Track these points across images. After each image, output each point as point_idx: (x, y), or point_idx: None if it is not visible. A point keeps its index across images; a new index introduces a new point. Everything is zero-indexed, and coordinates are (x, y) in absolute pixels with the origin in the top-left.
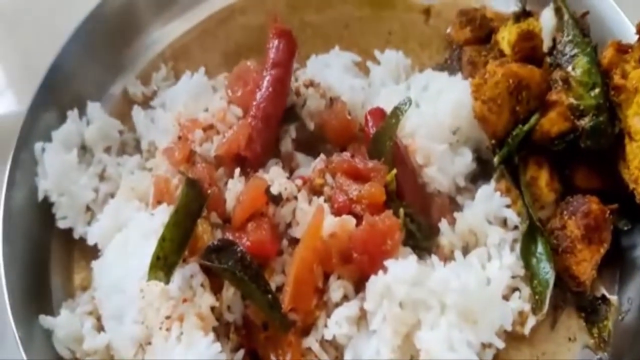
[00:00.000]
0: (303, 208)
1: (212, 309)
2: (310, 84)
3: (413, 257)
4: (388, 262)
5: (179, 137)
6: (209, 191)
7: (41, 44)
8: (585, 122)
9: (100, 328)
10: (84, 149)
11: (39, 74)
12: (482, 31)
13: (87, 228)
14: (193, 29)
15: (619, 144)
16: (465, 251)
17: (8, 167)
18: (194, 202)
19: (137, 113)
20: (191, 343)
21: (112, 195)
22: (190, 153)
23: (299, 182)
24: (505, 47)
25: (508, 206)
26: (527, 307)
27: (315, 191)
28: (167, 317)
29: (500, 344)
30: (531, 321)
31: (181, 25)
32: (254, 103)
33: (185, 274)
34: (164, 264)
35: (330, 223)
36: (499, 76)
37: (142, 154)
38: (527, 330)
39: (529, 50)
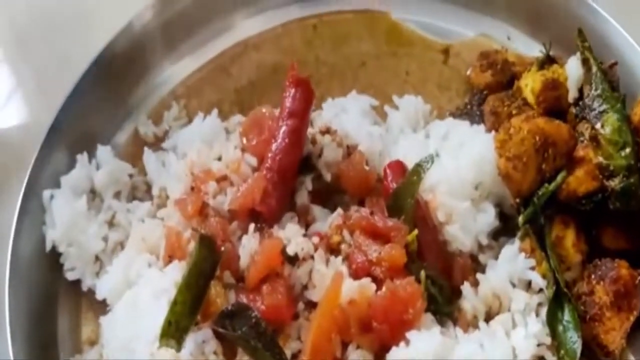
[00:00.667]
0: (320, 270)
1: None
2: (327, 130)
3: (436, 329)
4: (410, 334)
5: (192, 188)
6: (222, 248)
7: (58, 69)
8: (614, 183)
9: None
10: (94, 193)
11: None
12: (504, 76)
13: (96, 280)
14: (205, 66)
15: None
16: (489, 315)
17: (16, 215)
18: (206, 261)
19: (148, 156)
20: None
21: (122, 244)
22: (203, 205)
23: (315, 239)
24: (529, 96)
25: (533, 268)
26: None
27: (333, 249)
28: None
29: None
30: None
31: (193, 62)
32: (270, 155)
33: (198, 340)
34: (175, 329)
35: (349, 288)
36: (525, 132)
37: (153, 199)
38: None
39: (554, 100)
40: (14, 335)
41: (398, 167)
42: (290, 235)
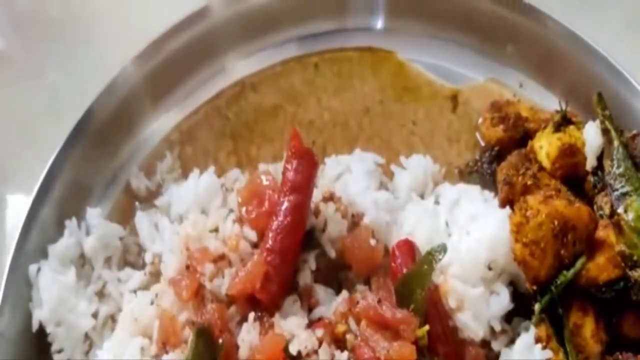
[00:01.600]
0: None
1: None
2: (330, 197)
3: None
4: None
5: (187, 267)
6: (221, 340)
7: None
8: (638, 274)
9: None
10: (83, 258)
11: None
12: (517, 132)
13: None
14: (201, 108)
15: None
16: None
17: (1, 293)
18: (204, 357)
19: (141, 220)
20: None
21: (113, 317)
22: (199, 287)
23: (319, 332)
24: (544, 160)
25: None
26: None
27: (338, 339)
28: None
29: None
30: None
31: (189, 105)
32: (271, 234)
33: None
34: None
35: None
36: (543, 217)
37: (146, 267)
38: None
39: (571, 167)
40: None
41: (407, 247)
42: (293, 328)
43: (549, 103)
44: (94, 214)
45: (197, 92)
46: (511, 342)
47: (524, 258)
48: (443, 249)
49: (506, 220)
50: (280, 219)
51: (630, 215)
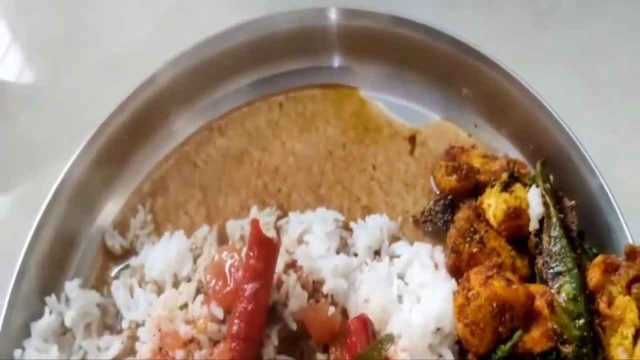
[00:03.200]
0: None
1: None
2: (292, 265)
3: None
4: None
5: (160, 349)
6: None
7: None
8: (568, 350)
9: None
10: (63, 326)
11: None
12: (469, 183)
13: None
14: (172, 154)
15: None
16: None
17: None
18: None
19: (117, 289)
20: None
21: None
22: None
23: None
24: (491, 219)
25: None
26: None
27: None
28: None
29: None
30: None
31: (160, 151)
32: (235, 320)
33: None
34: None
35: None
36: (482, 300)
37: (123, 332)
38: None
39: (516, 228)
40: None
41: (360, 324)
42: None
43: (502, 145)
44: (72, 287)
45: (167, 138)
46: None
47: (465, 336)
48: (390, 339)
49: (451, 295)
50: (244, 305)
51: (563, 296)
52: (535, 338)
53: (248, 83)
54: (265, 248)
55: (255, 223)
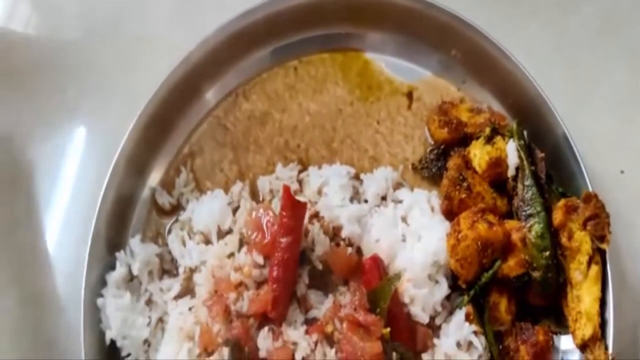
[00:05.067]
0: None
1: None
2: (315, 215)
3: None
4: None
5: (215, 291)
6: (247, 348)
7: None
8: (537, 275)
9: None
10: (131, 274)
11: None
12: (458, 134)
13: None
14: (204, 119)
15: (564, 288)
16: None
17: (82, 317)
18: None
19: (172, 241)
20: None
21: (161, 319)
22: (226, 308)
23: (314, 337)
24: (477, 167)
25: (475, 333)
26: None
27: (328, 337)
28: None
29: None
30: None
31: (194, 116)
32: (274, 267)
33: None
34: None
35: None
36: (470, 240)
37: (180, 276)
38: None
39: (497, 175)
40: None
41: (373, 263)
42: (296, 337)
43: (486, 98)
44: (135, 242)
45: (200, 106)
46: (450, 314)
47: (457, 269)
48: (398, 277)
49: (445, 235)
50: (280, 254)
51: (532, 234)
52: (511, 266)
53: (266, 52)
54: (295, 209)
55: (286, 189)
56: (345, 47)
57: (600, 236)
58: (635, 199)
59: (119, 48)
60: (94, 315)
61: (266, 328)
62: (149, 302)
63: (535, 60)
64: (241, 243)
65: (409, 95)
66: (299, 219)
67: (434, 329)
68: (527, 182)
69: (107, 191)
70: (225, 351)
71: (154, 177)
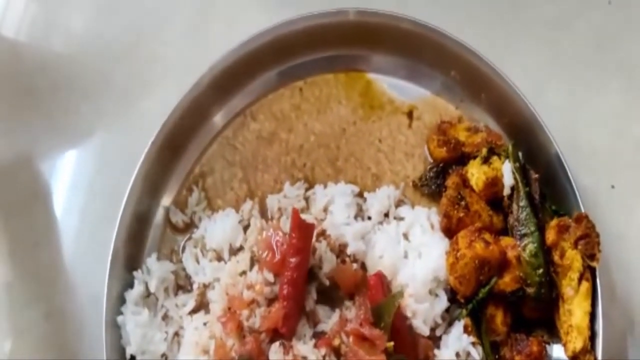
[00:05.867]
0: None
1: None
2: (322, 233)
3: None
4: None
5: (229, 308)
6: None
7: None
8: (531, 290)
9: None
10: (147, 291)
11: None
12: (456, 154)
13: None
14: (214, 139)
15: (557, 302)
16: None
17: (104, 335)
18: None
19: (186, 259)
20: None
21: (177, 333)
22: (239, 324)
23: (323, 350)
24: (474, 185)
25: (473, 344)
26: None
27: (335, 350)
28: None
29: None
30: None
31: (205, 137)
32: (284, 285)
33: None
34: None
35: None
36: (468, 259)
37: (194, 292)
38: None
39: (493, 194)
40: None
41: (377, 280)
42: (305, 351)
43: (482, 117)
44: (151, 261)
45: (210, 127)
46: (449, 325)
47: (455, 285)
48: (400, 295)
49: (444, 252)
50: (289, 273)
51: (527, 252)
52: (506, 282)
53: (272, 73)
54: (304, 230)
55: (295, 212)
56: (348, 68)
57: (590, 255)
58: (625, 213)
59: (134, 69)
60: (115, 332)
61: (277, 343)
62: (165, 318)
63: (529, 77)
64: (252, 261)
65: (410, 114)
66: (307, 240)
67: (434, 340)
68: (522, 203)
69: (125, 211)
70: None
71: (168, 197)
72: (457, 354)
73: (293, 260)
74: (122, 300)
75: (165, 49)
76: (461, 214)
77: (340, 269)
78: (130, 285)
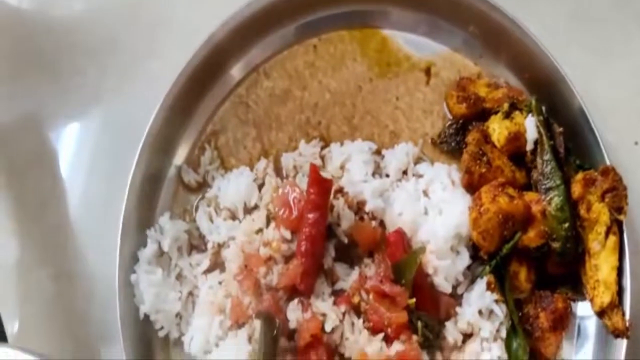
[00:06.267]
0: (349, 337)
1: None
2: (340, 191)
3: None
4: None
5: (245, 266)
6: (277, 320)
7: None
8: (556, 245)
9: None
10: (161, 250)
11: None
12: (476, 110)
13: (179, 332)
14: (227, 97)
15: (583, 257)
16: (464, 339)
17: (117, 293)
18: (271, 347)
19: (200, 218)
20: None
21: (191, 293)
22: (256, 282)
23: (342, 308)
24: (496, 141)
25: (496, 301)
26: None
27: (355, 307)
28: None
29: None
30: None
31: (217, 94)
32: (302, 242)
33: None
34: None
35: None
36: (491, 214)
37: (208, 251)
38: None
39: (516, 148)
40: None
41: (397, 237)
42: (325, 309)
43: (503, 73)
44: (164, 220)
45: (222, 84)
46: (471, 283)
47: (479, 241)
48: (422, 250)
49: (466, 208)
50: (308, 229)
51: (552, 206)
52: (531, 237)
53: (286, 30)
54: (322, 185)
55: (313, 167)
56: (363, 24)
57: (617, 208)
58: None
59: (141, 30)
60: (128, 291)
61: (295, 300)
62: (179, 277)
63: (551, 33)
64: (268, 219)
65: (427, 71)
66: (326, 196)
67: (455, 298)
68: (546, 157)
69: (136, 171)
70: (257, 323)
71: (180, 156)
72: (480, 312)
73: (311, 216)
74: (134, 260)
75: (173, 9)
76: (483, 170)
77: (359, 226)
78: (143, 244)
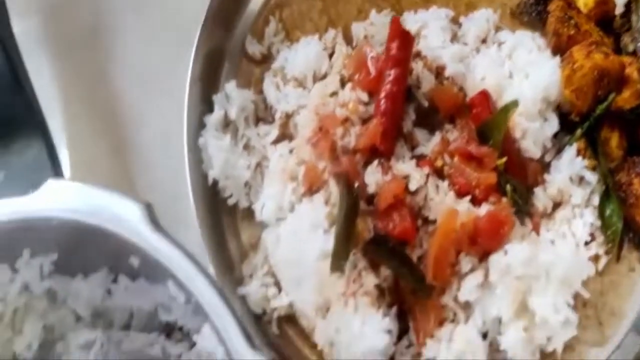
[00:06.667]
0: (433, 197)
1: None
2: (418, 54)
3: (526, 244)
4: (507, 246)
5: (320, 128)
6: (356, 184)
7: None
8: None
9: (280, 289)
10: (227, 119)
11: None
12: None
13: (249, 201)
14: None
15: None
16: (554, 207)
17: (185, 157)
18: (352, 208)
19: (268, 86)
20: (365, 316)
21: (259, 164)
22: (332, 144)
23: (426, 170)
24: (582, 6)
25: (587, 167)
26: (601, 251)
27: (438, 171)
28: (342, 294)
29: (586, 294)
30: (604, 261)
31: None
32: (382, 100)
33: (352, 260)
34: (339, 259)
35: (460, 214)
36: (586, 69)
37: (276, 121)
38: (600, 267)
39: (604, 13)
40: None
41: (483, 97)
42: (407, 169)
43: None
44: (231, 87)
45: None
46: (558, 152)
47: (572, 100)
48: (515, 104)
49: (556, 69)
50: (388, 87)
51: None
52: (625, 98)
53: None
54: (404, 39)
55: (395, 19)
56: None
57: None
58: None
59: None
60: (197, 156)
61: (375, 162)
62: (247, 147)
63: None
64: (342, 83)
65: None
66: (408, 50)
67: (542, 165)
68: None
69: (200, 41)
70: (333, 187)
71: (243, 28)
72: (570, 178)
73: (392, 72)
74: (201, 127)
75: None
76: (572, 32)
77: (440, 89)
78: (210, 111)
